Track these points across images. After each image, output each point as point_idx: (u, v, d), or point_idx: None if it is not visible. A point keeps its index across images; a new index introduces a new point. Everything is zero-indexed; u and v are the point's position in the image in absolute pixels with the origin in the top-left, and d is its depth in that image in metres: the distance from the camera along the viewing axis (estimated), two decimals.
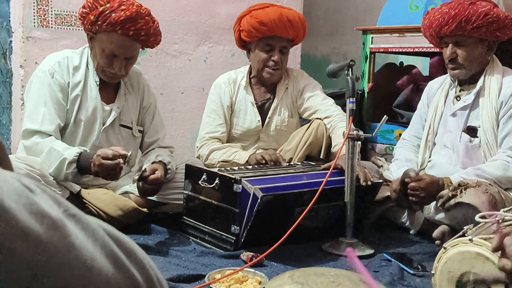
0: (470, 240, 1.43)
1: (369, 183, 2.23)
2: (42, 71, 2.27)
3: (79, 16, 2.28)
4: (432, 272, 1.55)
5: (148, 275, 0.55)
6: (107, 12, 2.18)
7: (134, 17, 2.19)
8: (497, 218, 1.49)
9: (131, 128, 2.46)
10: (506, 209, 1.63)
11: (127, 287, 0.52)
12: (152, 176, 2.19)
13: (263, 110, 2.84)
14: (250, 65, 2.89)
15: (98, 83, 2.34)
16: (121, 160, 2.04)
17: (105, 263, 0.50)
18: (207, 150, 2.69)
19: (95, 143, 2.33)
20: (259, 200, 2.02)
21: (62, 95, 2.27)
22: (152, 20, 2.28)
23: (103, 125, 2.35)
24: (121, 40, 2.22)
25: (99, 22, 2.19)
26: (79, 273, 0.48)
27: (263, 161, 2.47)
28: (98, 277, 0.49)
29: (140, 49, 2.35)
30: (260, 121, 2.81)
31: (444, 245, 1.52)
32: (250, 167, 2.42)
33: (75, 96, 2.29)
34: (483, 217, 1.55)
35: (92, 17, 2.19)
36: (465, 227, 1.55)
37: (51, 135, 2.20)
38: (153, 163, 2.31)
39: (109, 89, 2.40)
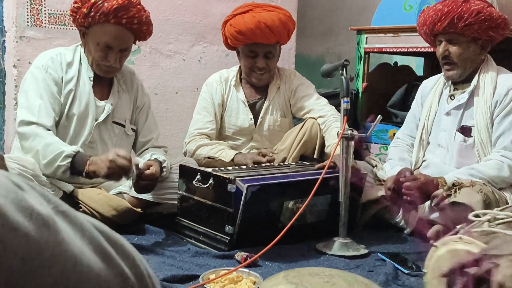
0: (460, 238, 1.44)
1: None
2: (36, 67, 2.28)
3: (71, 12, 2.30)
4: (424, 270, 1.56)
5: (138, 269, 0.55)
6: (99, 2, 2.20)
7: (126, 5, 2.22)
8: (489, 217, 1.50)
9: (124, 126, 2.46)
10: (500, 208, 1.64)
11: (116, 281, 0.51)
12: (147, 172, 2.19)
13: (254, 109, 2.84)
14: (240, 65, 2.90)
15: (91, 78, 2.34)
16: (134, 168, 2.06)
17: (93, 257, 0.50)
18: (195, 146, 2.69)
19: (88, 138, 2.33)
20: (244, 192, 2.03)
21: (57, 89, 2.27)
22: (143, 9, 2.31)
23: (95, 121, 2.35)
24: (115, 30, 2.24)
25: (91, 14, 2.21)
26: (68, 267, 0.47)
27: (255, 166, 2.45)
28: (87, 271, 0.49)
29: (133, 46, 2.37)
30: (253, 120, 2.81)
31: (434, 243, 1.53)
32: (244, 167, 2.42)
33: (68, 91, 2.30)
34: (477, 215, 1.56)
35: (84, 10, 2.22)
36: (458, 226, 1.56)
37: (50, 130, 2.20)
38: (148, 160, 2.31)
39: (103, 86, 2.40)
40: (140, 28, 2.31)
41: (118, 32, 2.25)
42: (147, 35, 2.40)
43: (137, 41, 2.43)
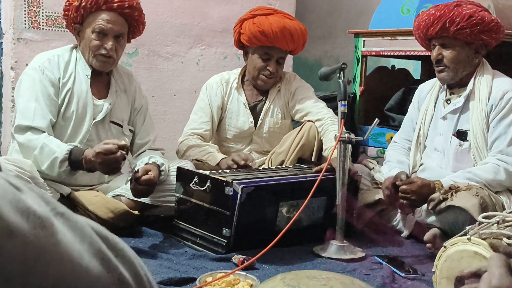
0: (469, 239, 1.46)
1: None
2: (32, 68, 2.29)
3: (64, 12, 2.34)
4: (433, 270, 1.58)
5: (137, 273, 0.55)
6: None
7: None
8: (498, 219, 1.51)
9: (121, 126, 2.45)
10: (509, 210, 1.66)
11: (115, 286, 0.51)
12: (144, 177, 2.18)
13: (255, 112, 2.84)
14: (243, 67, 2.90)
15: (89, 76, 2.34)
16: (123, 152, 2.05)
17: (93, 261, 0.50)
18: (186, 146, 2.68)
19: (85, 137, 2.33)
20: (239, 193, 2.03)
21: (54, 91, 2.28)
22: None
23: (93, 120, 2.35)
24: (107, 16, 2.29)
25: (83, 4, 2.26)
26: (66, 271, 0.47)
27: (235, 166, 2.45)
28: (85, 275, 0.48)
29: (131, 48, 2.37)
30: (253, 122, 2.81)
31: (444, 244, 1.54)
32: (242, 169, 2.42)
33: (66, 91, 2.30)
34: (486, 217, 1.57)
35: (76, 3, 2.27)
36: (467, 227, 1.57)
37: (44, 131, 2.20)
38: (146, 164, 2.31)
39: (100, 86, 2.41)
40: (132, 14, 2.34)
41: (111, 17, 2.30)
42: (140, 24, 2.42)
43: (132, 41, 2.45)
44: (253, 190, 2.10)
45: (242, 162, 2.44)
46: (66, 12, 2.32)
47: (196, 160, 2.61)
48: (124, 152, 2.05)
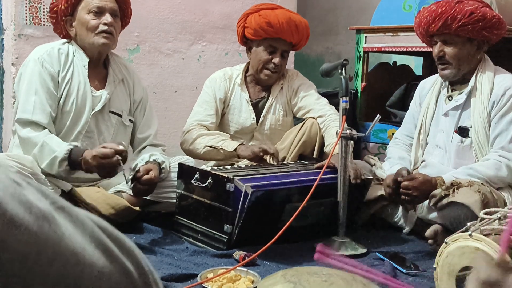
0: (470, 235, 1.46)
1: (358, 181, 2.23)
2: (32, 61, 2.28)
3: (52, 9, 2.32)
4: (434, 266, 1.58)
5: (140, 265, 0.55)
6: None
7: None
8: (499, 215, 1.51)
9: (121, 116, 2.45)
10: (511, 206, 1.66)
11: (119, 277, 0.51)
12: (145, 177, 2.18)
13: (257, 108, 2.84)
14: (246, 64, 2.89)
15: (86, 66, 2.33)
16: (119, 157, 2.04)
17: (96, 253, 0.50)
18: (195, 134, 2.65)
19: (84, 127, 2.32)
20: (249, 196, 2.02)
21: (53, 84, 2.27)
22: None
23: (92, 111, 2.34)
24: None
25: None
26: (70, 264, 0.47)
27: (261, 154, 2.45)
28: (89, 267, 0.48)
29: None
30: (255, 119, 2.81)
31: (445, 240, 1.55)
32: (243, 166, 2.42)
33: (65, 84, 2.30)
34: (488, 213, 1.58)
35: None
36: (469, 223, 1.57)
37: (45, 128, 2.19)
38: (147, 162, 2.30)
39: (98, 76, 2.40)
40: None
41: None
42: (128, 7, 2.42)
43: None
44: (263, 193, 2.08)
45: (271, 152, 2.45)
46: (55, 8, 2.30)
47: (209, 146, 2.59)
48: (120, 158, 2.04)
